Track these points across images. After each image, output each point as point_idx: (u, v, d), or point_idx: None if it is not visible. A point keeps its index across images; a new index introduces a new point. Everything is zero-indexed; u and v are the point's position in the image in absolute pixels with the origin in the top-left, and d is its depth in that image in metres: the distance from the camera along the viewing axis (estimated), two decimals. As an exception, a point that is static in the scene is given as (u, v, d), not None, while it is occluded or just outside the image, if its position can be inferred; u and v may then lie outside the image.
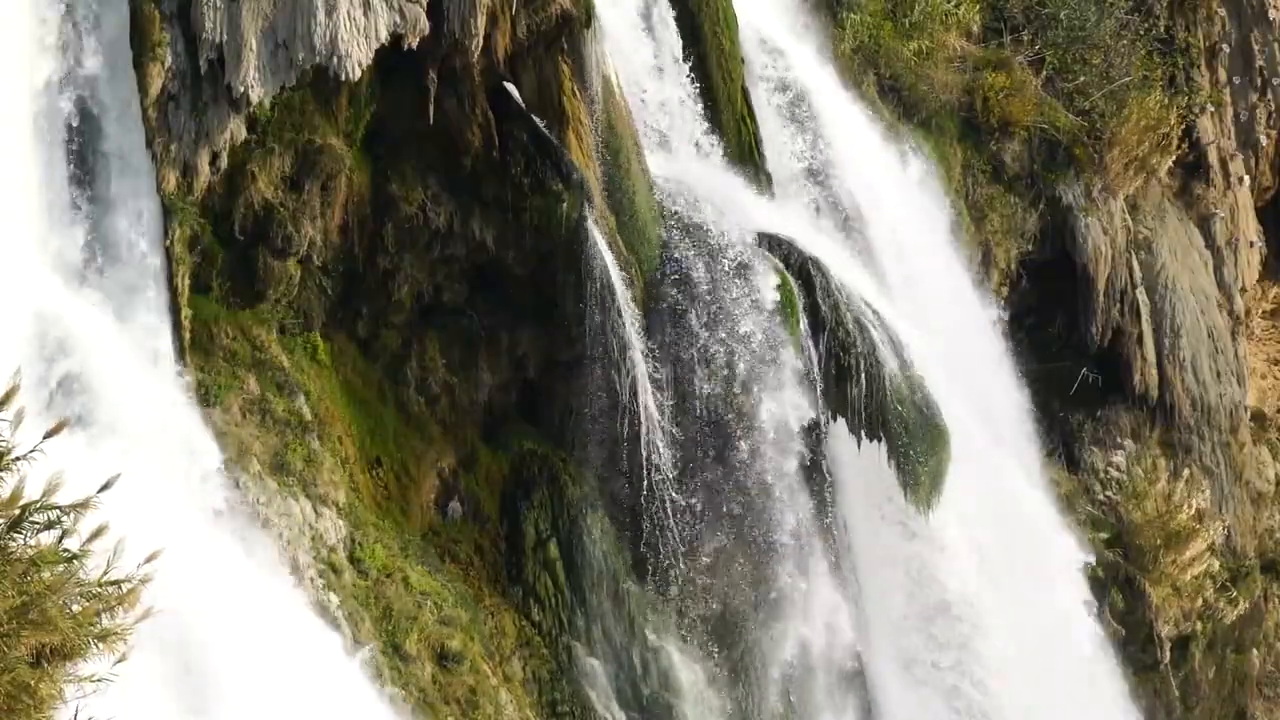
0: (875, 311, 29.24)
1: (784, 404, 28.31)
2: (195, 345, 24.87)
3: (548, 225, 26.89)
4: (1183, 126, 37.95)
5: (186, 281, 24.49)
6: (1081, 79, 35.98)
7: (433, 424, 27.75)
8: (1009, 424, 33.64)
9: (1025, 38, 36.10)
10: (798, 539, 28.84)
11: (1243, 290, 39.73)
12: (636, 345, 27.23)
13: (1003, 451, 31.89)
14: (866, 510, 30.44)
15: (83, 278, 23.52)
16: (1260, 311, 41.56)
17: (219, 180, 24.81)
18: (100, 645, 12.88)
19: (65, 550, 12.99)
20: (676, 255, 28.07)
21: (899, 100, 33.95)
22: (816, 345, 28.60)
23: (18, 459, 13.06)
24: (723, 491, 28.31)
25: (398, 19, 24.55)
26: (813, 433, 28.76)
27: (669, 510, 27.87)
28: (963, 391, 30.45)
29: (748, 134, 29.91)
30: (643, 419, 27.27)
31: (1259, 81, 39.96)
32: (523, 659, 27.63)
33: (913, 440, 29.12)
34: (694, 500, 28.15)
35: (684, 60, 29.29)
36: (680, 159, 29.28)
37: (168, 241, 24.11)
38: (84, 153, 23.57)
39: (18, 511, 12.89)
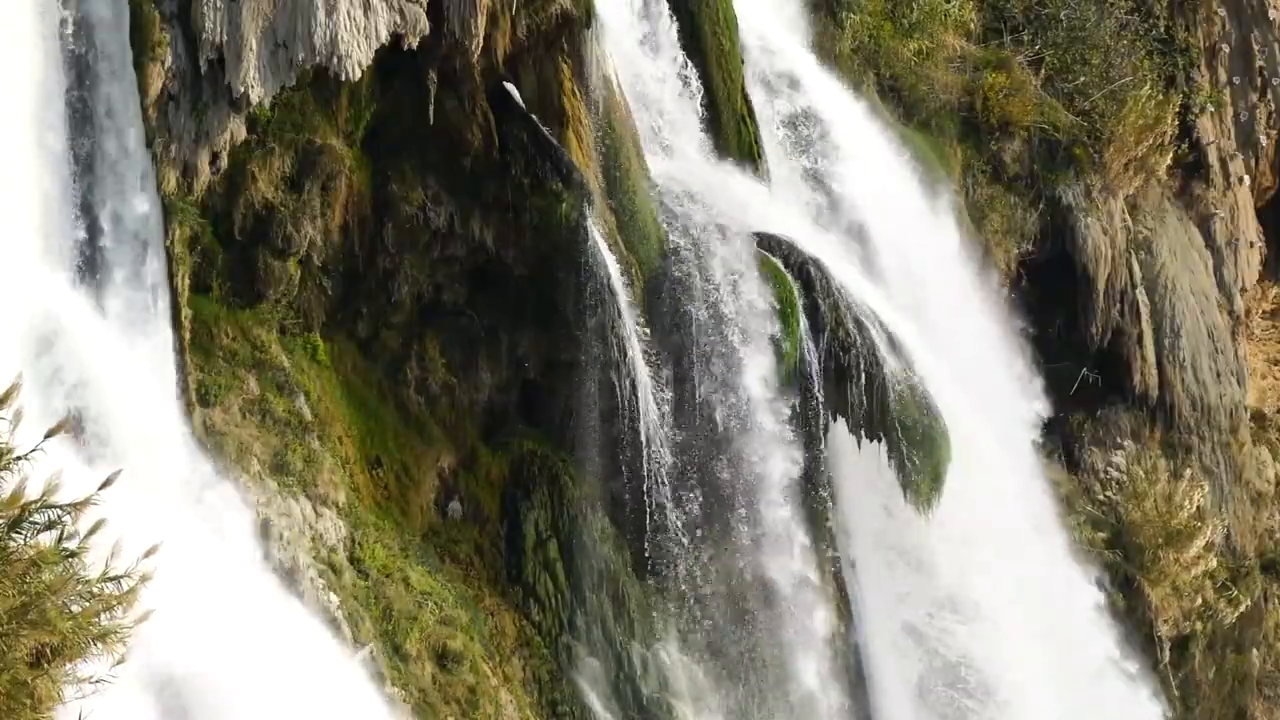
0: (875, 311, 29.25)
1: (783, 404, 28.33)
2: (195, 345, 24.87)
3: (548, 225, 26.89)
4: (1181, 126, 37.96)
5: (186, 281, 24.49)
6: (1081, 79, 35.98)
7: (433, 424, 27.75)
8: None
9: (1025, 38, 36.10)
10: (797, 538, 28.84)
11: (1243, 290, 39.74)
12: (636, 345, 27.23)
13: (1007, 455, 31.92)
14: (867, 509, 30.42)
15: (82, 277, 23.50)
16: (1260, 311, 41.56)
17: (219, 180, 24.81)
18: (100, 645, 12.89)
19: (64, 549, 13.00)
20: (676, 255, 28.07)
21: (899, 100, 33.95)
22: (816, 345, 28.60)
23: (18, 459, 13.07)
24: (723, 490, 28.30)
25: (398, 19, 24.55)
26: (813, 432, 28.75)
27: (669, 510, 27.87)
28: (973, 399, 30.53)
29: (748, 134, 29.90)
30: (642, 419, 27.26)
31: (1259, 81, 39.96)
32: (523, 659, 27.63)
33: (912, 440, 29.11)
34: (694, 499, 28.14)
35: (684, 60, 29.28)
36: (680, 159, 29.28)
37: (168, 241, 24.11)
38: (84, 148, 23.55)
39: (18, 511, 12.90)
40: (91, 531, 12.91)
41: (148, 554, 13.04)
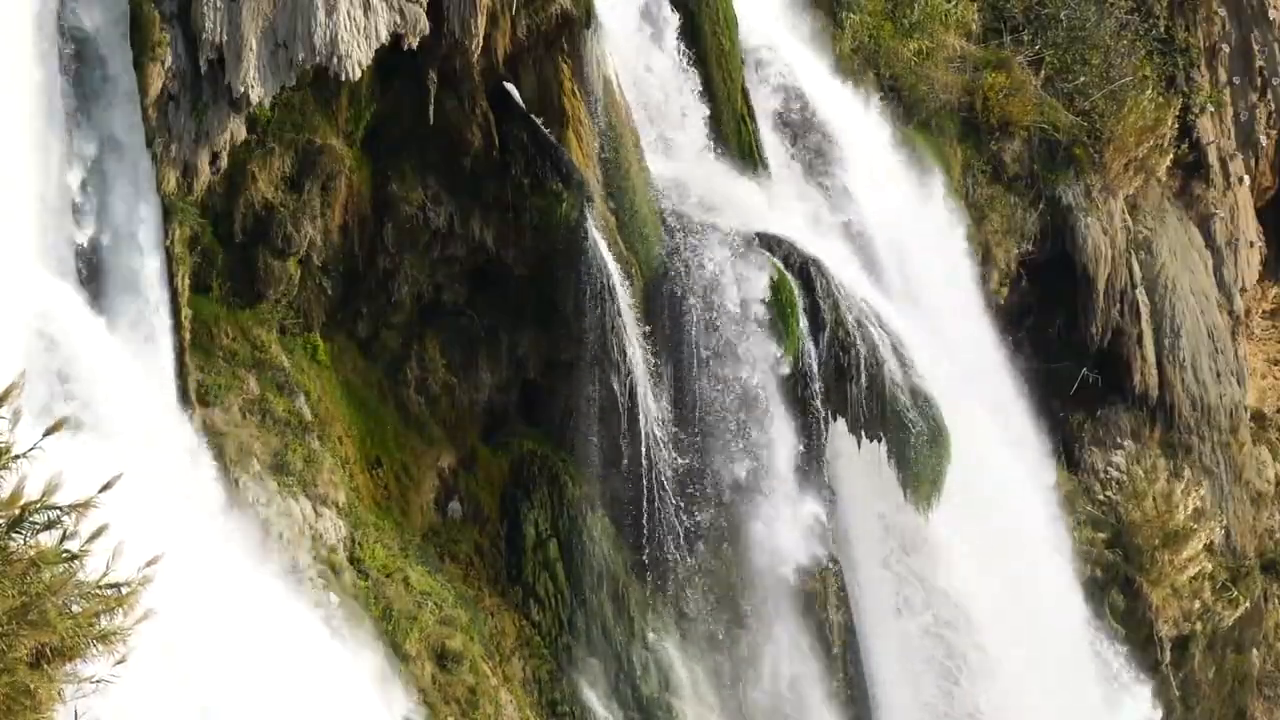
0: (875, 311, 29.25)
1: (782, 404, 28.34)
2: (195, 345, 24.87)
3: (548, 225, 26.89)
4: (1181, 126, 37.98)
5: (186, 281, 24.48)
6: (1081, 79, 35.99)
7: (433, 424, 27.75)
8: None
9: (1025, 38, 36.11)
10: (798, 536, 28.84)
11: (1243, 290, 39.77)
12: (636, 345, 27.24)
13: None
14: (866, 507, 30.44)
15: (81, 277, 23.48)
16: (1260, 311, 41.58)
17: (219, 180, 24.81)
18: (100, 646, 12.88)
19: (65, 550, 12.99)
20: (676, 255, 28.08)
21: (899, 100, 33.95)
22: (816, 345, 28.60)
23: (17, 458, 13.06)
24: (723, 489, 28.30)
25: (398, 19, 24.55)
26: (813, 432, 28.76)
27: (669, 509, 27.87)
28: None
29: (747, 134, 29.91)
30: (642, 418, 27.27)
31: (1259, 81, 39.97)
32: (523, 659, 27.63)
33: (913, 440, 29.12)
34: (694, 499, 28.14)
35: (684, 60, 29.29)
36: (680, 159, 29.29)
37: (168, 241, 24.10)
38: (84, 148, 23.55)
39: (18, 511, 12.89)
40: (94, 537, 12.90)
41: (149, 563, 13.02)
